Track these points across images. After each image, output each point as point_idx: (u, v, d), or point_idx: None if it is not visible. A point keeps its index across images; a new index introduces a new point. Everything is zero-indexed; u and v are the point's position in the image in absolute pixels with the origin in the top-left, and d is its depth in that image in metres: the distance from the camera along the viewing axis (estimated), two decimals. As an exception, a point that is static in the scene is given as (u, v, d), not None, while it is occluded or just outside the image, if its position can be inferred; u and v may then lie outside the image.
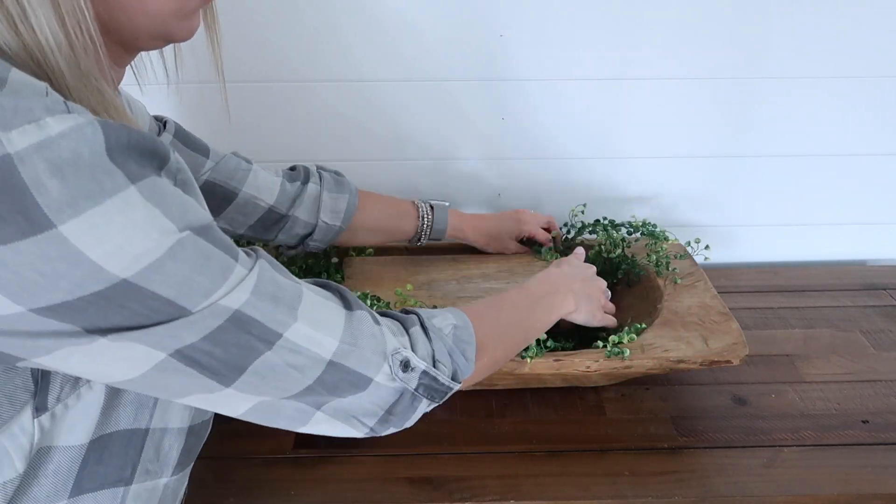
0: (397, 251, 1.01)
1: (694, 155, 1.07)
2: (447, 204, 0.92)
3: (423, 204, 0.90)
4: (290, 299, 0.45)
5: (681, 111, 1.02)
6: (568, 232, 1.01)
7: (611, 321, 0.80)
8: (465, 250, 1.01)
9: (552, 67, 0.98)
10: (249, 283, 0.42)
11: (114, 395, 0.47)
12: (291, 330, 0.44)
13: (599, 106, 1.02)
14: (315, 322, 0.46)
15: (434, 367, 0.53)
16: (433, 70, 0.98)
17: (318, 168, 0.86)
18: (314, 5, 0.92)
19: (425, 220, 0.89)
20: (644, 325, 0.79)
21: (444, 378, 0.53)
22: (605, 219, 0.98)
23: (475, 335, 0.58)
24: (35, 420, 0.42)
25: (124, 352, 0.39)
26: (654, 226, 0.95)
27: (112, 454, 0.48)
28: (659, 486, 0.71)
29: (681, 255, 0.91)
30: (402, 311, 0.58)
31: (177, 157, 0.41)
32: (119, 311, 0.37)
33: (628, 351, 0.74)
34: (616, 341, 0.75)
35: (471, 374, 0.57)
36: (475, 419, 0.80)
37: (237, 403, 0.46)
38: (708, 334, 0.78)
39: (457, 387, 0.55)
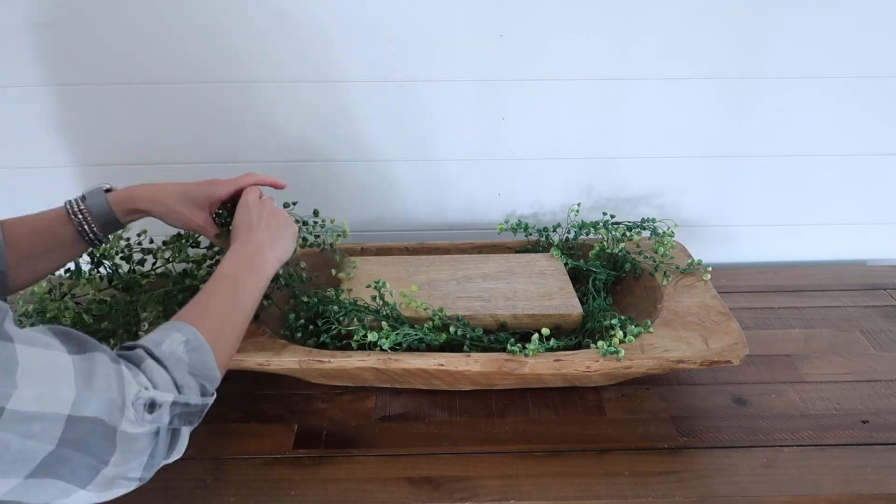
0: (397, 251, 1.01)
1: (694, 155, 1.07)
2: (105, 186, 0.76)
3: (73, 200, 0.75)
4: (3, 362, 0.41)
5: (681, 111, 1.02)
6: (568, 231, 1.01)
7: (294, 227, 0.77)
8: (466, 250, 1.01)
9: (552, 67, 0.98)
10: None
11: None
12: (14, 399, 0.40)
13: (599, 106, 1.02)
14: (41, 379, 0.42)
15: (180, 393, 0.51)
16: (433, 70, 0.98)
17: None
18: (314, 6, 0.92)
19: (78, 213, 0.73)
20: (650, 327, 0.79)
21: (195, 399, 0.53)
22: (605, 214, 0.98)
23: (207, 342, 0.56)
24: None
25: None
26: (654, 220, 0.96)
27: None
28: (659, 486, 0.71)
29: (683, 269, 0.91)
30: (124, 349, 0.54)
31: None
32: None
33: (623, 352, 0.74)
34: (616, 342, 0.75)
35: (219, 377, 0.57)
36: (475, 419, 0.80)
37: None
38: (708, 334, 0.78)
39: (211, 399, 0.54)
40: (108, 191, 0.75)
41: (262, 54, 0.96)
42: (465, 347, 0.79)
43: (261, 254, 0.69)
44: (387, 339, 0.76)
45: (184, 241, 0.88)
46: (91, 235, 0.74)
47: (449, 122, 1.02)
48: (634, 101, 1.01)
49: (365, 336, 0.76)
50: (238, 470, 0.73)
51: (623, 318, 0.81)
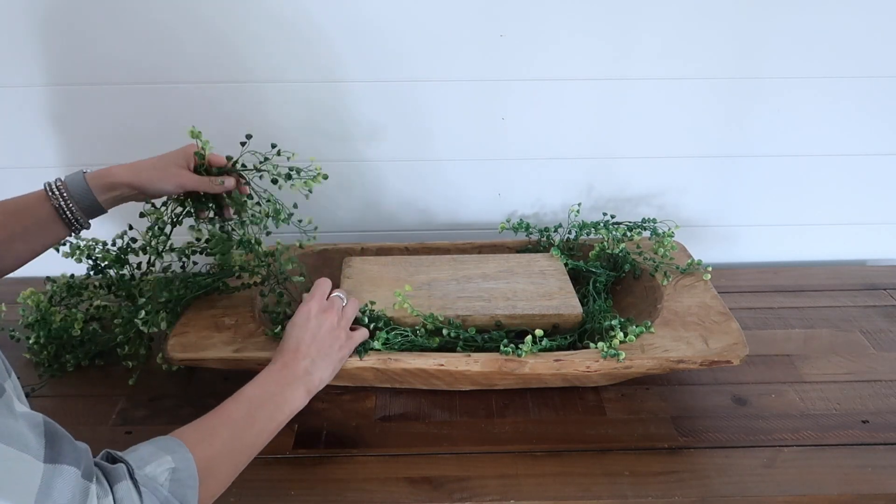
0: (397, 251, 1.01)
1: (694, 155, 1.07)
2: (84, 169, 0.76)
3: (51, 181, 0.75)
4: None
5: (681, 111, 1.02)
6: (569, 231, 1.01)
7: (360, 338, 0.75)
8: (466, 250, 1.01)
9: (552, 67, 0.98)
10: None
11: None
12: None
13: (599, 106, 1.02)
14: (2, 486, 0.40)
15: None
16: (433, 70, 0.98)
17: None
18: (314, 6, 0.92)
19: (56, 191, 0.73)
20: (651, 327, 0.79)
21: None
22: (605, 214, 0.98)
23: (197, 472, 0.53)
24: None
25: None
26: (655, 220, 0.96)
27: None
28: (659, 486, 0.71)
29: (683, 269, 0.91)
30: (110, 458, 0.52)
31: None
32: None
33: (623, 353, 0.74)
34: (617, 343, 0.75)
35: None
36: (475, 419, 0.80)
37: None
38: (708, 334, 0.78)
39: None
40: (85, 173, 0.75)
41: (262, 54, 0.96)
42: (458, 348, 0.79)
43: (292, 388, 0.66)
44: (378, 340, 0.76)
45: (164, 210, 0.84)
46: (69, 214, 0.73)
47: (449, 122, 1.02)
48: (634, 101, 1.01)
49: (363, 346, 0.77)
50: (238, 470, 0.73)
51: (623, 319, 0.81)
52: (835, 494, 0.70)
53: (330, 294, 0.76)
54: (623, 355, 0.74)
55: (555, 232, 1.02)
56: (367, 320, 0.79)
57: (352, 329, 0.76)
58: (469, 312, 0.83)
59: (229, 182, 0.79)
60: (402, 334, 0.79)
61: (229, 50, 0.95)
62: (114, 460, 0.51)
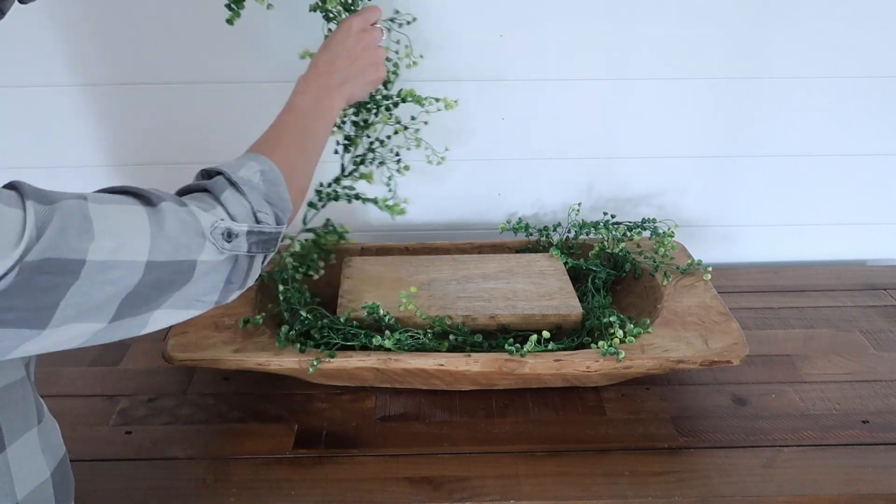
0: (397, 251, 1.01)
1: (694, 155, 1.07)
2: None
3: None
4: (78, 219, 0.42)
5: (681, 111, 1.02)
6: (569, 231, 1.01)
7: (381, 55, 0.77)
8: (466, 250, 1.01)
9: (552, 67, 0.98)
10: (30, 225, 0.39)
11: None
12: (93, 250, 0.42)
13: (599, 106, 1.02)
14: (116, 231, 0.44)
15: (257, 221, 0.53)
16: (433, 70, 0.97)
17: None
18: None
19: None
20: (650, 327, 0.79)
21: (269, 227, 0.54)
22: (605, 214, 0.98)
23: (281, 174, 0.58)
24: None
25: None
26: (655, 220, 0.96)
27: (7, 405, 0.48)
28: (659, 486, 0.71)
29: (683, 269, 0.91)
30: (203, 176, 0.57)
31: None
32: None
33: (623, 353, 0.74)
34: (616, 342, 0.75)
35: (291, 209, 0.58)
36: (475, 419, 0.80)
37: (65, 339, 0.44)
38: (708, 334, 0.78)
39: (284, 229, 0.56)
40: None
41: (261, 54, 0.96)
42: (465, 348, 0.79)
43: (329, 96, 0.69)
44: (389, 339, 0.76)
45: None
46: None
47: (449, 122, 1.02)
48: (635, 101, 1.01)
49: (370, 342, 0.77)
50: (238, 470, 0.73)
51: (622, 316, 0.81)
52: (835, 494, 0.70)
53: (375, 24, 0.76)
54: (623, 354, 0.74)
55: (554, 231, 1.02)
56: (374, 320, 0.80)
57: None
58: (469, 313, 0.83)
59: None
60: (412, 336, 0.79)
61: (232, 51, 0.95)
62: (209, 175, 0.56)
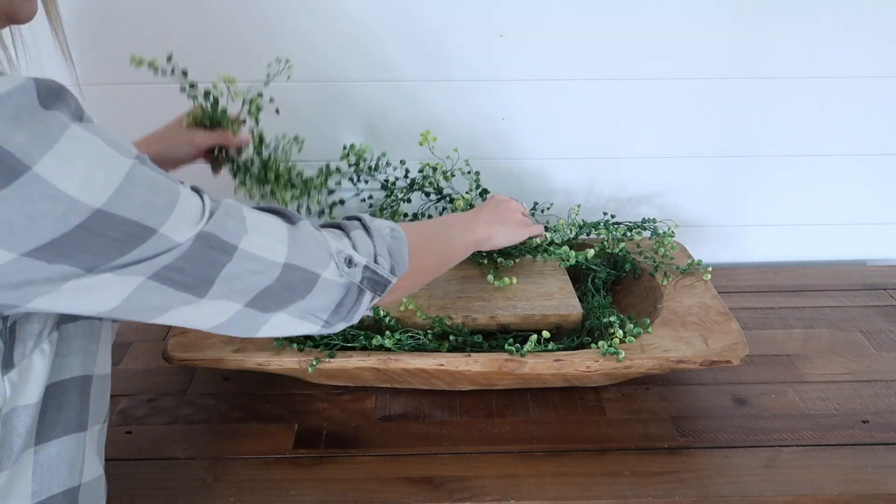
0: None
1: (694, 155, 1.07)
2: None
3: None
4: (236, 214, 0.50)
5: (681, 111, 1.02)
6: (568, 231, 1.01)
7: (536, 230, 0.86)
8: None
9: (552, 67, 0.98)
10: (207, 209, 0.47)
11: (63, 343, 0.51)
12: (245, 241, 0.49)
13: (599, 106, 1.02)
14: (263, 232, 0.51)
15: (375, 262, 0.58)
16: (433, 70, 0.98)
17: None
18: (313, 5, 0.92)
19: None
20: (650, 327, 0.79)
21: (384, 272, 0.59)
22: (605, 214, 0.98)
23: (408, 240, 0.64)
24: (4, 378, 0.46)
25: (110, 282, 0.43)
26: (654, 220, 0.96)
27: (69, 401, 0.52)
28: (659, 486, 0.71)
29: (683, 269, 0.91)
30: (347, 217, 0.63)
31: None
32: (99, 240, 0.41)
33: (623, 353, 0.74)
34: (617, 342, 0.75)
35: (405, 273, 0.62)
36: (475, 419, 0.80)
37: (210, 316, 0.51)
38: (708, 334, 0.78)
39: (395, 280, 0.60)
40: None
41: (259, 55, 0.96)
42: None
43: (474, 223, 0.77)
44: (390, 339, 0.76)
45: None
46: None
47: (449, 122, 1.02)
48: (635, 101, 1.01)
49: (370, 343, 0.77)
50: (238, 470, 0.73)
51: (622, 316, 0.81)
52: (835, 494, 0.70)
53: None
54: (623, 354, 0.74)
55: (554, 231, 1.02)
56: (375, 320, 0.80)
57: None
58: (469, 313, 0.83)
59: (245, 135, 0.82)
60: (413, 336, 0.79)
61: (230, 51, 0.95)
62: (349, 219, 0.63)
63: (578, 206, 1.04)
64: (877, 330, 0.95)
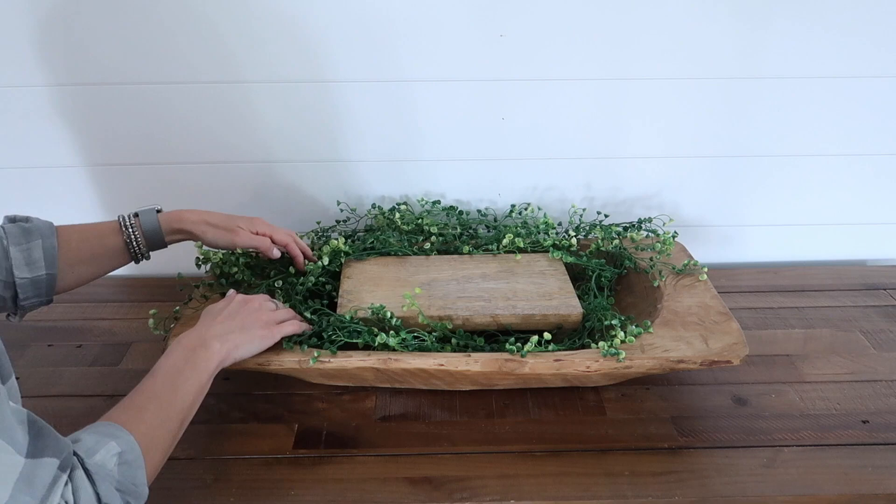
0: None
1: (694, 155, 1.07)
2: (157, 207, 0.83)
3: (125, 215, 0.81)
4: None
5: (681, 111, 1.02)
6: (567, 231, 1.01)
7: (291, 329, 0.77)
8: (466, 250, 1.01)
9: (552, 67, 0.98)
10: None
11: None
12: None
13: (599, 106, 1.02)
14: None
15: None
16: (433, 70, 0.98)
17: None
18: (312, 5, 0.92)
19: (129, 227, 0.79)
20: (650, 327, 0.79)
21: None
22: (598, 213, 0.98)
23: (141, 452, 0.57)
24: None
25: None
26: (651, 220, 0.96)
27: None
28: (659, 486, 0.71)
29: (679, 269, 0.91)
30: (66, 454, 0.53)
31: None
32: None
33: (623, 353, 0.74)
34: (617, 342, 0.75)
35: (146, 494, 0.57)
36: (475, 419, 0.80)
37: None
38: (708, 334, 0.78)
39: None
40: (158, 211, 0.82)
41: (258, 54, 0.96)
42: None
43: (205, 347, 0.69)
44: (394, 338, 0.76)
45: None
46: (136, 248, 0.80)
47: (449, 122, 1.02)
48: (634, 101, 1.01)
49: (373, 340, 0.77)
50: (238, 470, 0.73)
51: (623, 318, 0.81)
52: (835, 494, 0.70)
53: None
54: (623, 355, 0.74)
55: (554, 231, 1.02)
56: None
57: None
58: (469, 313, 0.83)
59: (276, 252, 0.87)
60: (416, 336, 0.79)
61: (228, 51, 0.95)
62: (69, 455, 0.54)
63: (583, 209, 1.04)
64: (877, 330, 0.95)
